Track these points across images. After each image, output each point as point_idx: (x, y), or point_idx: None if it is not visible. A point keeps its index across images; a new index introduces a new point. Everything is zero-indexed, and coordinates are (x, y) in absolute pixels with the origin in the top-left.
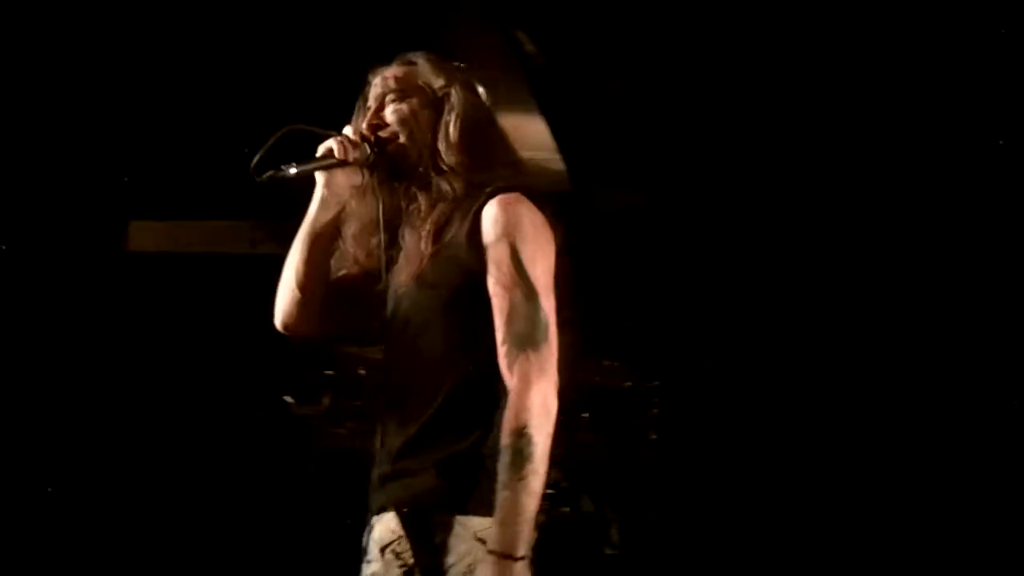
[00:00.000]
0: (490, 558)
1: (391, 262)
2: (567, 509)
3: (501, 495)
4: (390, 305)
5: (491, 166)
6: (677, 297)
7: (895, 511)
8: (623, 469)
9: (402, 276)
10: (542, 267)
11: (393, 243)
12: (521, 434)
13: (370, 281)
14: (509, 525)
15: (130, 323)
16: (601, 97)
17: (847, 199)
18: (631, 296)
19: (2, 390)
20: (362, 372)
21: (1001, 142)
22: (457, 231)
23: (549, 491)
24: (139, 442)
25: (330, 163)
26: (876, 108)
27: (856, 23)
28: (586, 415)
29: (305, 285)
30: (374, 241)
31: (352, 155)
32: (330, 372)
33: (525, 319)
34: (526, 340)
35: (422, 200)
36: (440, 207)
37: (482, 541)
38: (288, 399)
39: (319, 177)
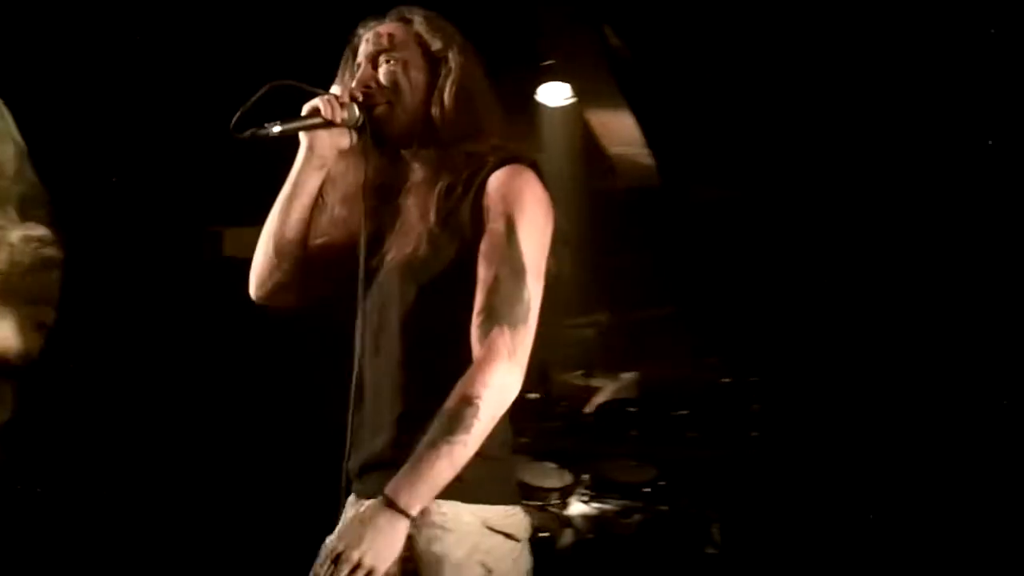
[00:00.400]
0: (384, 510)
1: (378, 232)
2: (666, 507)
3: (422, 450)
4: (379, 279)
5: (486, 136)
6: (776, 291)
7: (1000, 506)
8: (724, 467)
9: (396, 250)
10: (535, 246)
11: (379, 212)
12: (470, 403)
13: (351, 251)
14: (416, 482)
15: (228, 330)
16: (689, 91)
17: (949, 192)
18: (728, 292)
19: (101, 397)
20: None
21: None
22: (461, 205)
23: (646, 489)
24: (242, 446)
25: (316, 123)
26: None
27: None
28: (685, 412)
29: (284, 251)
30: (358, 208)
31: (340, 116)
32: None
33: (508, 295)
34: (504, 316)
35: (417, 168)
36: (443, 178)
37: (492, 530)
38: None
39: (303, 138)
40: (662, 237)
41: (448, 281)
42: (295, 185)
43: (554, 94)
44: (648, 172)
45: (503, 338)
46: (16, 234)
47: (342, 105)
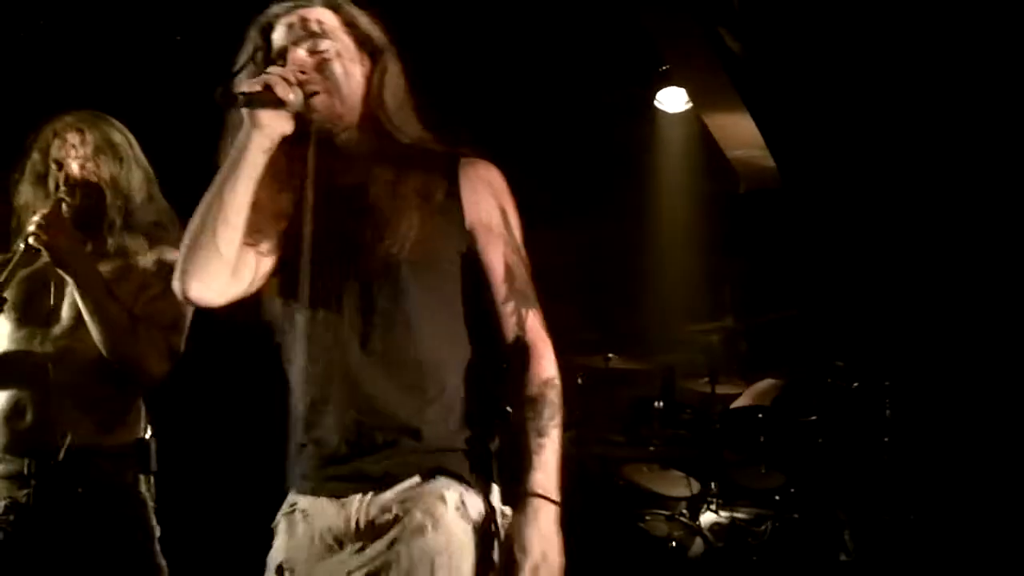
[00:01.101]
0: (535, 501)
1: (328, 227)
2: (796, 514)
3: (538, 442)
4: (350, 276)
5: (418, 129)
6: (906, 292)
7: None
8: (855, 472)
9: (372, 248)
10: (521, 237)
11: (326, 205)
12: (552, 384)
13: (278, 245)
14: (550, 471)
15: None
16: (808, 91)
17: None
18: (856, 293)
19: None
20: (580, 381)
21: None
22: (440, 201)
23: (776, 496)
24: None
25: (268, 100)
26: None
27: None
28: (814, 417)
29: (227, 240)
30: (286, 200)
31: (289, 97)
32: None
33: (523, 280)
34: (530, 300)
35: (368, 164)
36: (409, 175)
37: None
38: (508, 409)
39: (249, 117)
40: (785, 239)
41: (433, 277)
42: (242, 165)
43: (672, 100)
44: (769, 174)
45: (539, 322)
46: (148, 259)
47: (290, 87)
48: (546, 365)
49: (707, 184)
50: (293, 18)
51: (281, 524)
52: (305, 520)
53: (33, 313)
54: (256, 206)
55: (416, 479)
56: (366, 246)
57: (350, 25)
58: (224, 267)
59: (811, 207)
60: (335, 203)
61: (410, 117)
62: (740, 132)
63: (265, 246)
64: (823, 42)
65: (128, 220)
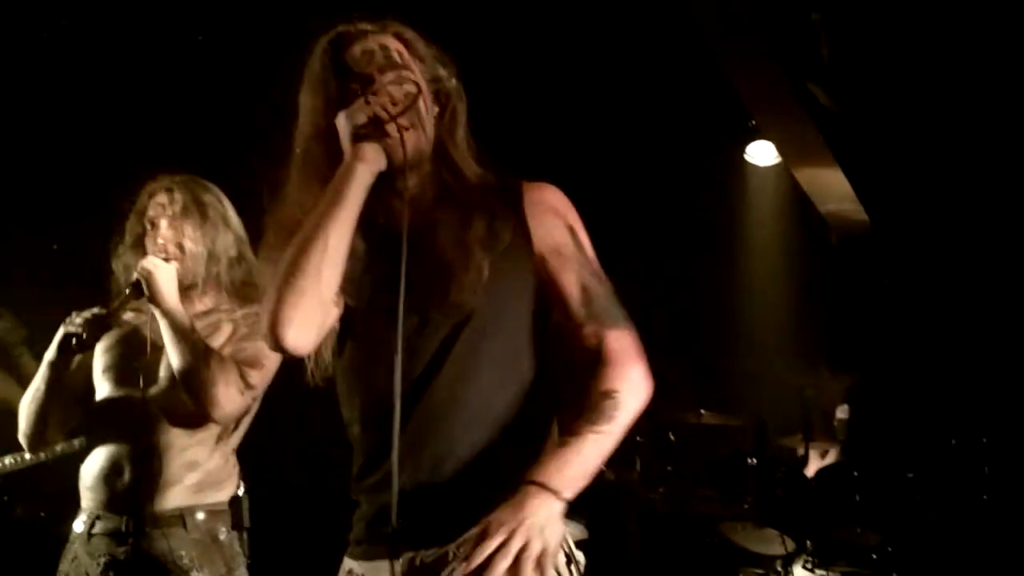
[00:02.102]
0: (536, 491)
1: (387, 274)
2: (895, 574)
3: (567, 438)
4: (403, 327)
5: (477, 167)
6: (1001, 347)
7: None
8: (954, 532)
9: (441, 291)
10: (593, 253)
11: (381, 251)
12: (611, 396)
13: (346, 291)
14: (567, 465)
15: None
16: (899, 144)
17: None
18: (952, 348)
19: None
20: (672, 437)
21: None
22: (505, 234)
23: (873, 555)
24: None
25: (373, 133)
26: None
27: None
28: (911, 475)
29: (330, 283)
30: (355, 243)
31: (392, 133)
32: (640, 438)
33: (605, 298)
34: (615, 317)
35: (431, 202)
36: (475, 212)
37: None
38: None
39: (353, 150)
40: (879, 290)
41: (502, 325)
42: (346, 201)
43: (762, 153)
44: (862, 227)
45: (625, 339)
46: (239, 312)
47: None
48: (612, 378)
49: (800, 236)
50: (372, 44)
51: None
52: None
53: (131, 373)
54: None
55: (475, 532)
56: (433, 295)
57: (420, 60)
58: (321, 312)
59: (904, 259)
60: (401, 248)
61: (472, 157)
62: (831, 185)
63: (337, 293)
64: (912, 93)
65: (217, 280)
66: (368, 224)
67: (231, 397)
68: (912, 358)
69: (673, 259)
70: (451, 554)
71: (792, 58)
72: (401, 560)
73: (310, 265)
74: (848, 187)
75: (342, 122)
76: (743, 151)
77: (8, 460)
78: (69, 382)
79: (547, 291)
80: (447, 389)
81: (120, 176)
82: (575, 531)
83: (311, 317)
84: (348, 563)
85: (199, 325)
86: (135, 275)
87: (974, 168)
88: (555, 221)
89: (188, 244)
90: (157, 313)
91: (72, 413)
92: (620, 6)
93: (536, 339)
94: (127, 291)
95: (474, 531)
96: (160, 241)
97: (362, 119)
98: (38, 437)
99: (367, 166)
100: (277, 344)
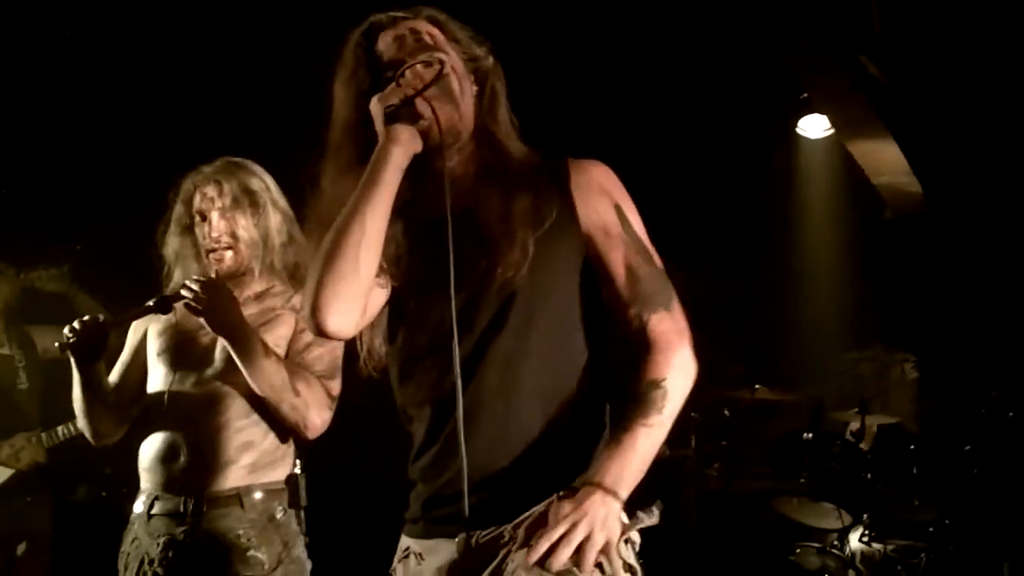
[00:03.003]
0: (593, 490)
1: (434, 255)
2: (952, 547)
3: (619, 434)
4: (451, 306)
5: (522, 146)
6: None
7: None
8: (1012, 504)
9: (489, 270)
10: (643, 228)
11: (429, 228)
12: (658, 386)
13: (392, 273)
14: (621, 463)
15: None
16: (952, 116)
17: None
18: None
19: None
20: (726, 413)
21: None
22: (552, 214)
23: (930, 529)
24: None
25: (407, 115)
26: None
27: None
28: (968, 447)
29: (368, 266)
30: (398, 226)
31: (426, 113)
32: (695, 415)
33: (651, 279)
34: (658, 299)
35: (468, 184)
36: (519, 193)
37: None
38: None
39: (387, 132)
40: (935, 265)
41: (550, 303)
42: (382, 184)
43: (813, 126)
44: (916, 199)
45: (671, 321)
46: (295, 301)
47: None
48: (659, 366)
49: (852, 210)
50: (402, 30)
51: (398, 570)
52: (420, 563)
53: (186, 356)
54: None
55: (530, 513)
56: (479, 274)
57: (455, 42)
58: (363, 296)
59: (960, 231)
60: (446, 228)
61: (515, 135)
62: (884, 158)
63: (383, 276)
64: (965, 64)
65: (271, 264)
66: (411, 205)
67: (324, 417)
68: (968, 330)
69: (725, 236)
70: (506, 535)
71: (843, 30)
72: (458, 540)
73: (348, 249)
74: (902, 159)
75: (375, 107)
76: (795, 125)
77: (61, 429)
78: (124, 380)
79: (595, 271)
80: (498, 369)
81: (159, 170)
82: (648, 519)
83: (351, 301)
84: (406, 541)
85: (256, 311)
86: (181, 297)
87: None
88: (601, 199)
89: (242, 233)
90: (221, 338)
91: (126, 409)
92: None
93: (586, 321)
94: (149, 303)
95: (535, 511)
96: (215, 234)
97: (394, 101)
98: (97, 436)
99: (401, 147)
100: (318, 329)
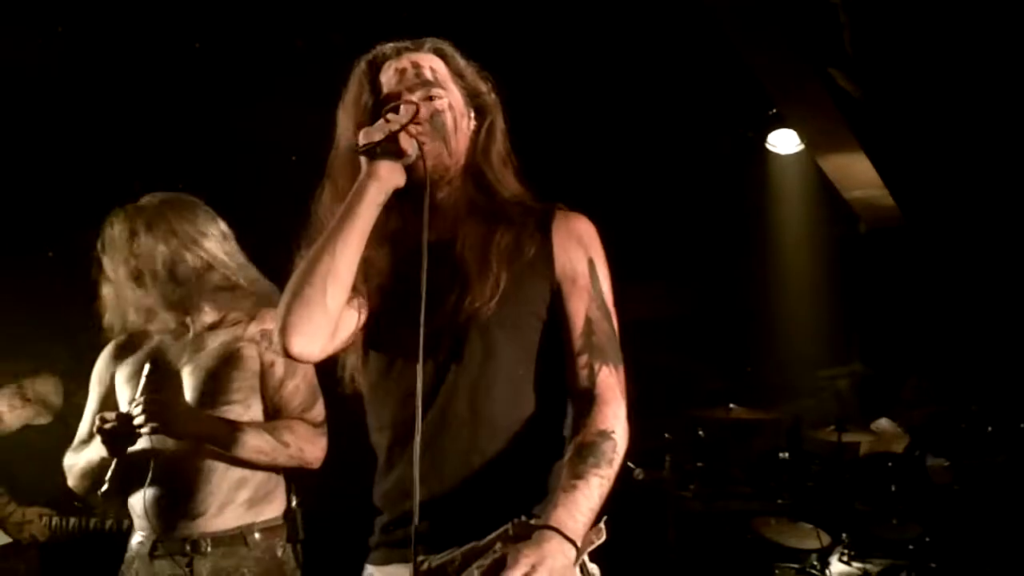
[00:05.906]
0: (546, 532)
1: (411, 283)
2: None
3: (572, 483)
4: (441, 332)
5: (517, 185)
6: None
7: None
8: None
9: (460, 303)
10: (609, 287)
11: (412, 261)
12: (609, 437)
13: (369, 300)
14: (579, 512)
15: None
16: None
17: None
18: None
19: None
20: (701, 434)
21: None
22: (530, 255)
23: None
24: None
25: (389, 150)
26: None
27: None
28: (946, 463)
29: (336, 296)
30: (380, 255)
31: (411, 148)
32: (668, 435)
33: (604, 334)
34: (608, 355)
35: (463, 218)
36: (502, 231)
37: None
38: (631, 465)
39: (367, 167)
40: (911, 279)
41: (518, 336)
42: (356, 218)
43: (784, 142)
44: (890, 213)
45: (614, 377)
46: (253, 329)
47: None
48: (608, 418)
49: (826, 226)
50: (405, 63)
51: None
52: None
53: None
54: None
55: (487, 540)
56: (452, 303)
57: (459, 76)
58: (329, 323)
59: (936, 244)
60: (415, 260)
61: (510, 173)
62: (857, 172)
63: (358, 301)
64: (936, 76)
65: (198, 289)
66: (395, 236)
67: (320, 446)
68: (947, 345)
69: (697, 251)
70: (456, 560)
71: (814, 44)
72: (410, 564)
73: (316, 277)
74: (874, 173)
75: (361, 140)
76: (764, 140)
77: (73, 522)
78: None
79: (556, 315)
80: (460, 397)
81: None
82: (598, 539)
83: (317, 327)
84: (368, 569)
85: (218, 342)
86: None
87: (1000, 151)
88: (578, 250)
89: (147, 268)
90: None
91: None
92: None
93: (547, 360)
94: (117, 461)
95: (488, 539)
96: (135, 275)
97: (378, 136)
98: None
99: (378, 183)
100: (285, 351)
